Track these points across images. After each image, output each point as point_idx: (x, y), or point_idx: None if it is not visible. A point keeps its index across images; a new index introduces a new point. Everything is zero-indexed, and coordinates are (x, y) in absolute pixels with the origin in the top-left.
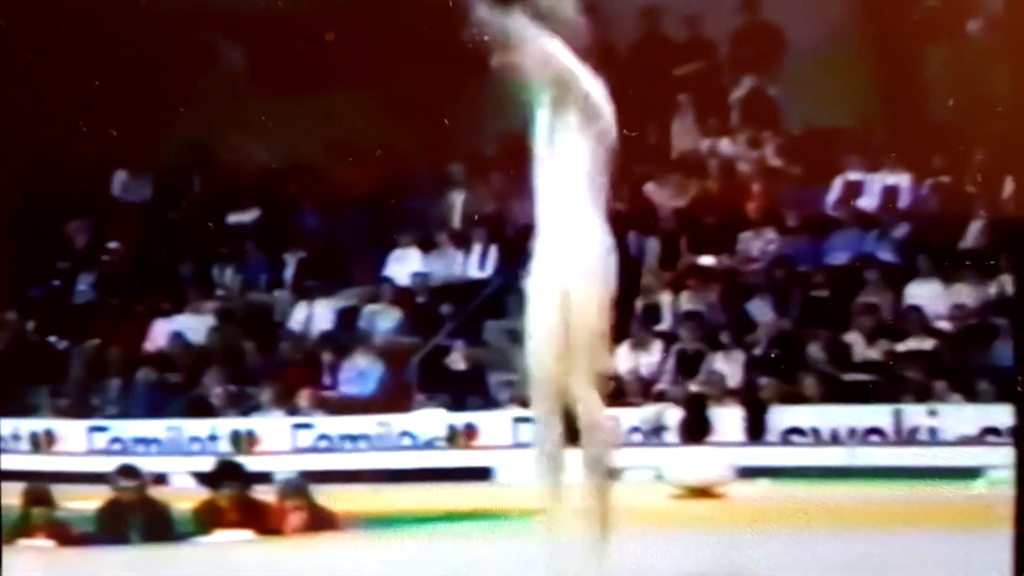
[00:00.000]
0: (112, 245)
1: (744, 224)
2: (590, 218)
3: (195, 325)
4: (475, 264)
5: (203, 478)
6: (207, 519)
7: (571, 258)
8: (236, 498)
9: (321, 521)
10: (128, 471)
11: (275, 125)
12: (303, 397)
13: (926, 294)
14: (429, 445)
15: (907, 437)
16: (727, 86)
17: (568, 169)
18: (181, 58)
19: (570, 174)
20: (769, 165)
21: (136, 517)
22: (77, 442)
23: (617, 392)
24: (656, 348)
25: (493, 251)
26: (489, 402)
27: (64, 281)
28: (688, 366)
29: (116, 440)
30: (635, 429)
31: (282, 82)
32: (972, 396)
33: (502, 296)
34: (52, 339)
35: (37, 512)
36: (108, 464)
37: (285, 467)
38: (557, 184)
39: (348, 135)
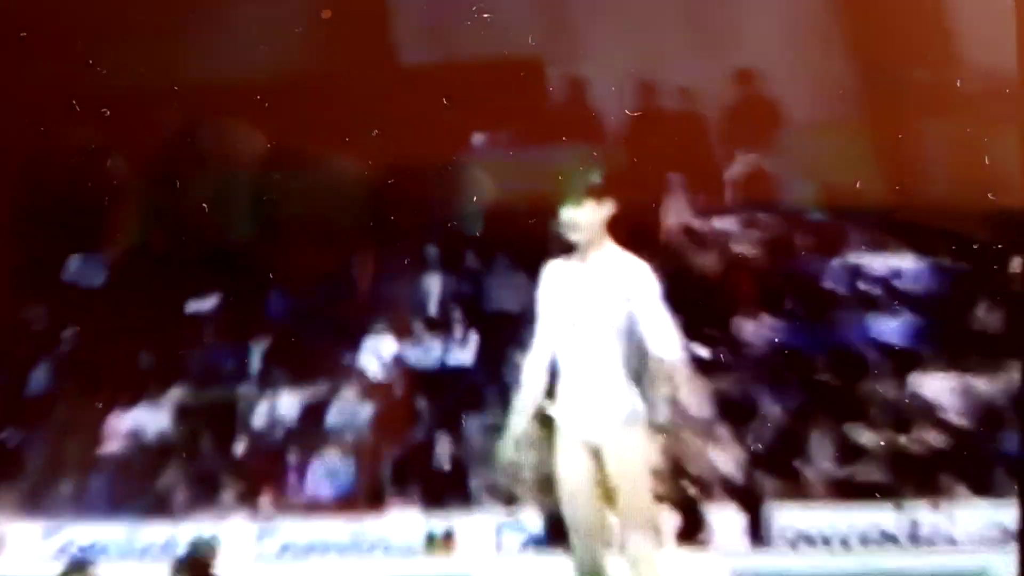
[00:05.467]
0: (67, 333)
1: (739, 308)
2: (618, 376)
3: (154, 419)
4: (455, 352)
5: None
6: None
7: (601, 415)
8: None
9: None
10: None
11: (239, 201)
12: (267, 499)
13: (932, 381)
14: (405, 552)
15: (912, 534)
16: (721, 162)
17: (601, 329)
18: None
19: (603, 334)
20: (764, 244)
21: None
22: (30, 545)
23: None
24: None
25: (474, 338)
26: (470, 504)
27: (19, 371)
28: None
29: (72, 544)
30: None
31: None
32: (981, 491)
33: (484, 387)
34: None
35: None
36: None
37: None
38: (588, 342)
39: (319, 213)
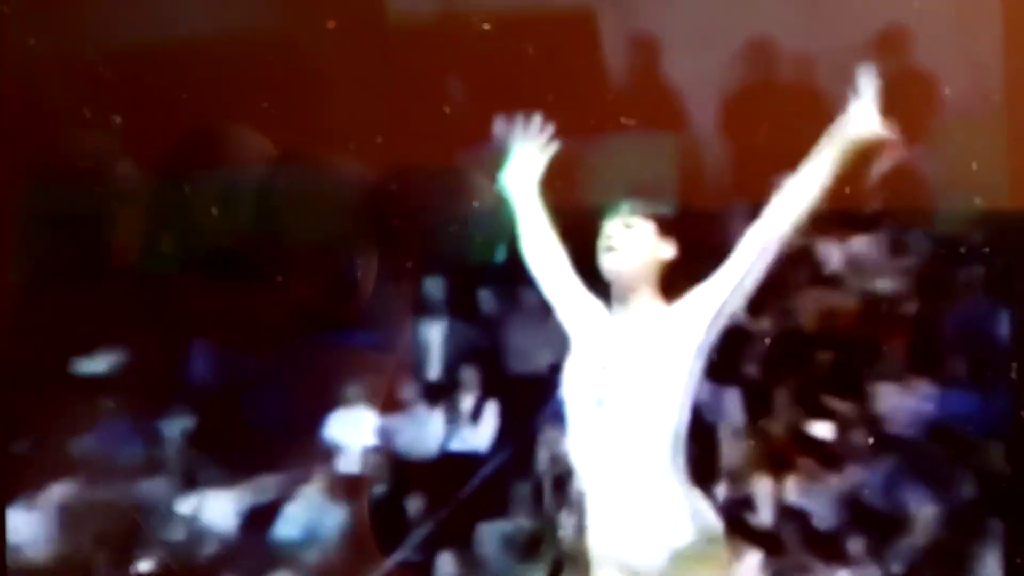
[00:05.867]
0: None
1: (884, 370)
2: (670, 479)
3: (28, 527)
4: (462, 431)
5: None
6: None
7: (652, 542)
8: None
9: None
10: None
11: (162, 210)
12: None
13: None
14: None
15: None
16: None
17: (642, 405)
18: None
19: (645, 413)
20: (915, 276)
21: None
22: None
23: None
24: (748, 561)
25: (490, 412)
26: None
27: None
28: None
29: None
30: None
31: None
32: None
33: (503, 483)
34: None
35: None
36: None
37: None
38: (623, 431)
39: (270, 225)
